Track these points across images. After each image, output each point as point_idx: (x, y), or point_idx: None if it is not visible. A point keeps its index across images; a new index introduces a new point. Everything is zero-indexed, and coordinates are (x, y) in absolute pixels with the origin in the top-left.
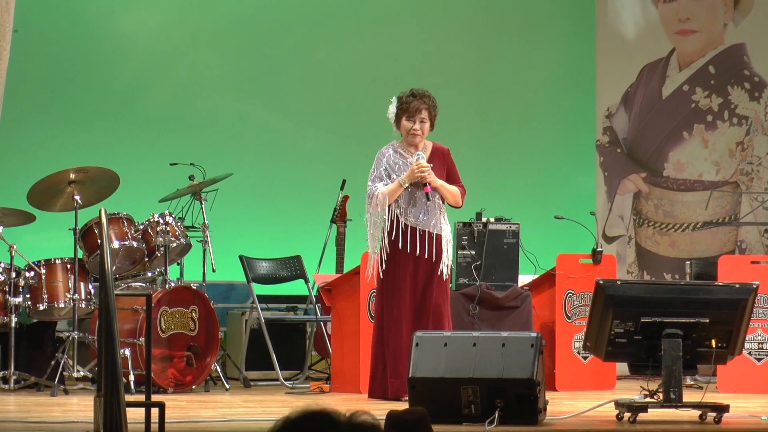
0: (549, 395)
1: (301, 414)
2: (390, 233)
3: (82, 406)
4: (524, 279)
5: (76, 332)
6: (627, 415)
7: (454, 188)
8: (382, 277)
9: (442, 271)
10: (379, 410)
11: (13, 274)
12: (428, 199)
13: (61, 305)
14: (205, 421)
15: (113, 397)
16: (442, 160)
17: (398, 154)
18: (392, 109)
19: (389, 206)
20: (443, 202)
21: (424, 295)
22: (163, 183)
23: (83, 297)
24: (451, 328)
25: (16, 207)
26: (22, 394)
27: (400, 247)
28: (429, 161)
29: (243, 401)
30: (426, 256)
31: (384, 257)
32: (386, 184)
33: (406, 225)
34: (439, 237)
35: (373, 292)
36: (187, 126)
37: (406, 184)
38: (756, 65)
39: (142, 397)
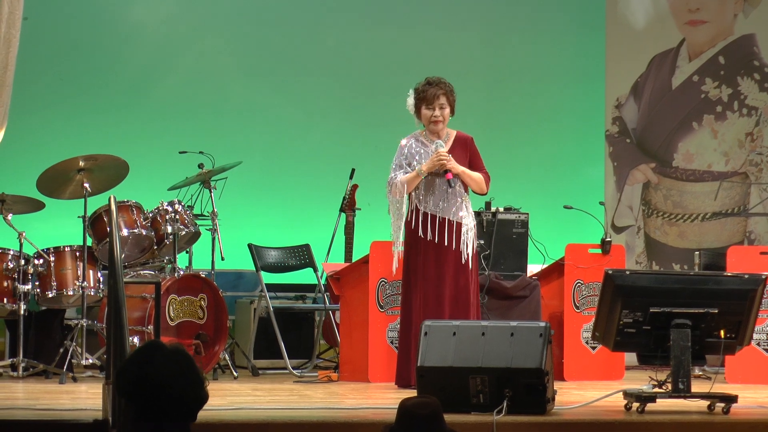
0: (557, 385)
1: (141, 345)
2: (410, 222)
3: (90, 394)
4: (533, 269)
5: (84, 320)
6: (635, 405)
7: (477, 175)
8: (405, 266)
9: (466, 260)
10: (394, 399)
11: (22, 262)
12: (450, 186)
13: (70, 293)
14: (213, 409)
15: None
16: (464, 149)
17: (420, 142)
18: (410, 101)
19: (409, 195)
20: (466, 191)
21: (448, 284)
22: (173, 171)
23: (92, 285)
24: (478, 317)
25: (26, 194)
26: (30, 382)
27: (420, 235)
28: (451, 149)
29: (251, 389)
30: (446, 244)
31: (405, 246)
32: (406, 173)
33: (425, 213)
34: (459, 225)
35: (382, 281)
36: (196, 114)
37: (424, 174)
38: (766, 56)
39: None
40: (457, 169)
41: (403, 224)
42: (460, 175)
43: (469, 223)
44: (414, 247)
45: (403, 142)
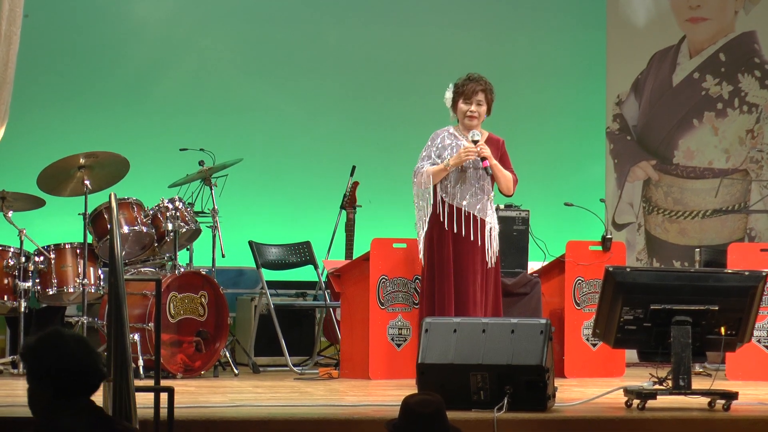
0: (558, 382)
1: (36, 338)
2: (435, 214)
3: None
4: (534, 266)
5: (85, 317)
6: (636, 402)
7: (507, 173)
8: (427, 260)
9: (489, 258)
10: (394, 397)
11: (23, 259)
12: (488, 173)
13: (71, 290)
14: (214, 406)
15: (122, 382)
16: (495, 150)
17: (452, 135)
18: (448, 95)
19: (435, 186)
20: (492, 188)
21: (471, 280)
22: (173, 168)
23: (92, 282)
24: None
25: (26, 192)
26: None
27: (446, 228)
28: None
29: (252, 387)
30: (472, 239)
31: (428, 240)
32: (433, 164)
33: (451, 206)
34: (483, 222)
35: (383, 278)
36: (197, 111)
37: (451, 168)
38: (767, 53)
39: (151, 382)
40: (492, 160)
41: (426, 216)
42: (493, 167)
43: (492, 222)
44: (437, 241)
45: (436, 132)
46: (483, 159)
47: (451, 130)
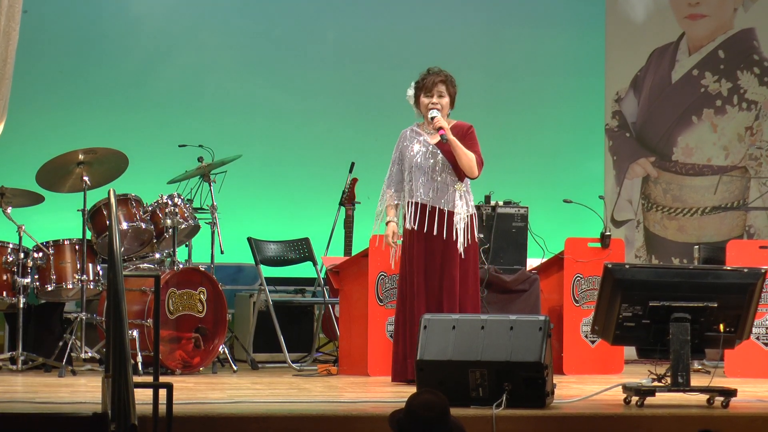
0: (556, 379)
1: None
2: (402, 215)
3: (89, 387)
4: (532, 262)
5: (84, 313)
6: (635, 398)
7: (469, 152)
8: (400, 259)
9: (459, 251)
10: (392, 393)
11: (22, 255)
12: (443, 141)
13: (69, 286)
14: (212, 403)
15: (121, 378)
16: (459, 134)
17: (414, 132)
18: (410, 92)
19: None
20: (461, 180)
21: (437, 276)
22: (172, 164)
23: (91, 278)
24: (472, 309)
25: (25, 188)
26: (29, 375)
27: (409, 226)
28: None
29: (250, 383)
30: (435, 234)
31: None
32: (400, 170)
33: (416, 203)
34: (451, 214)
35: (382, 275)
36: (196, 108)
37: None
38: (766, 50)
39: (149, 379)
40: (449, 134)
41: (378, 226)
42: (451, 142)
43: (461, 212)
44: (405, 239)
45: (402, 132)
46: (439, 129)
47: (414, 127)
